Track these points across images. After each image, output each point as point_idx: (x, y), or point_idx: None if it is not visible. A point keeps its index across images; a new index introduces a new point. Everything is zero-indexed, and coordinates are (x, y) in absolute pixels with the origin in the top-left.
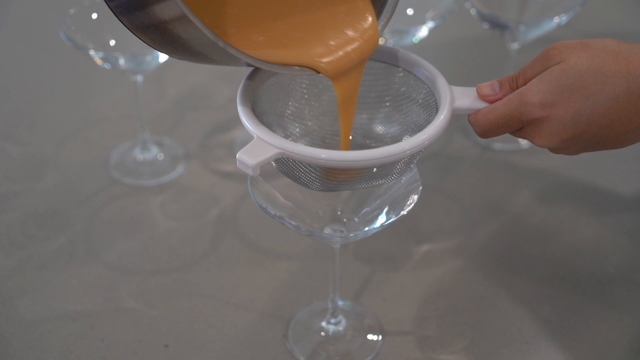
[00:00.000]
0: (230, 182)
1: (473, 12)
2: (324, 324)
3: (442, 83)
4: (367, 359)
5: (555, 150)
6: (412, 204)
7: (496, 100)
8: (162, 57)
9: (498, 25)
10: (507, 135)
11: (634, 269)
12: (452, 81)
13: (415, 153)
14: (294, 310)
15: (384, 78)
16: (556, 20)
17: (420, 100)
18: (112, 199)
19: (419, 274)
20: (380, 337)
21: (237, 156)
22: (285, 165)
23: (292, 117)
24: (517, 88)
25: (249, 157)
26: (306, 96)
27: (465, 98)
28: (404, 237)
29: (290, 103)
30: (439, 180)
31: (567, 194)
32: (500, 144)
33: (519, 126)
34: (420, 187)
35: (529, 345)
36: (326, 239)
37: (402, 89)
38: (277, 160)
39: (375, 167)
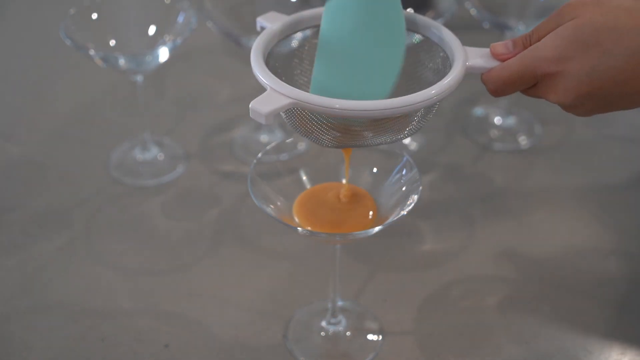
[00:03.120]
0: (230, 182)
1: (473, 12)
2: (324, 324)
3: (455, 44)
4: (367, 359)
5: (568, 107)
6: (412, 204)
7: (510, 58)
8: (162, 57)
9: (498, 25)
10: (507, 135)
11: (634, 269)
12: None
13: (427, 107)
14: (294, 310)
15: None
16: None
17: (437, 66)
18: (112, 199)
19: (419, 274)
20: (380, 337)
21: (250, 105)
22: (298, 119)
23: (302, 75)
24: (531, 45)
25: (262, 106)
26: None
27: (478, 57)
28: (404, 237)
29: (300, 61)
30: (439, 180)
31: (567, 194)
32: (501, 144)
33: (533, 82)
34: (420, 187)
35: (529, 345)
36: (326, 239)
37: (419, 54)
38: (289, 114)
39: (388, 117)
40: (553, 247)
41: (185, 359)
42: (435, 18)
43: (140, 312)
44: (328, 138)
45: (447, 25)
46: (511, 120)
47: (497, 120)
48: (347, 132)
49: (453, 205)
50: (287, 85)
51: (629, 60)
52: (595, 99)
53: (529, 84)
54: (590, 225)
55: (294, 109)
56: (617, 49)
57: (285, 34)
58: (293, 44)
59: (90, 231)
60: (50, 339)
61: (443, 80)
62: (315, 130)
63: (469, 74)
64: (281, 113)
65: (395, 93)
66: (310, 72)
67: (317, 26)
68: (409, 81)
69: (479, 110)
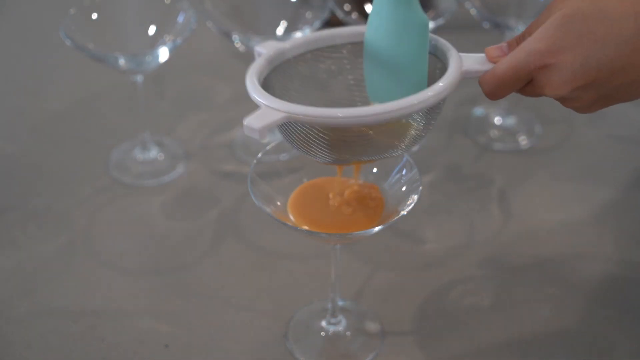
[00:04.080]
0: (230, 182)
1: (473, 12)
2: (324, 324)
3: (451, 51)
4: (367, 359)
5: (567, 101)
6: (412, 204)
7: None
8: (162, 57)
9: (498, 25)
10: (507, 135)
11: (634, 269)
12: None
13: (418, 111)
14: (294, 310)
15: None
16: None
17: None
18: (112, 199)
19: (419, 274)
20: (380, 337)
21: (244, 122)
22: (295, 134)
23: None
24: None
25: (256, 122)
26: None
27: (475, 63)
28: (404, 237)
29: (298, 84)
30: (439, 180)
31: (567, 194)
32: (501, 144)
33: (528, 78)
34: (420, 187)
35: (529, 345)
36: (326, 239)
37: None
38: (286, 131)
39: (378, 122)
40: (553, 247)
41: (185, 359)
42: (435, 18)
43: (140, 312)
44: (327, 153)
45: (447, 25)
46: (511, 120)
47: (497, 120)
48: (344, 144)
49: (453, 205)
50: (280, 100)
51: (623, 48)
52: (592, 91)
53: (524, 81)
54: (590, 225)
55: (289, 124)
56: (609, 37)
57: (283, 58)
58: (290, 69)
59: (90, 231)
60: (50, 339)
61: (437, 82)
62: (314, 145)
63: (466, 78)
64: (278, 131)
65: None
66: (305, 90)
67: (315, 50)
68: None
69: (479, 110)
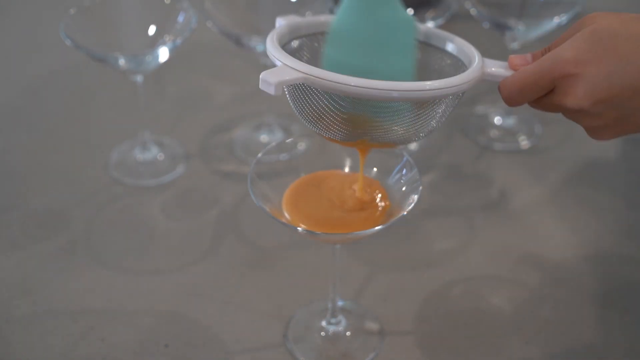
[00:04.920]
0: (230, 182)
1: (473, 12)
2: (324, 324)
3: (475, 55)
4: (367, 359)
5: (587, 116)
6: (412, 204)
7: None
8: (162, 57)
9: (498, 25)
10: (507, 135)
11: (634, 269)
12: None
13: (438, 97)
14: (294, 310)
15: (421, 58)
16: (556, 20)
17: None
18: (112, 199)
19: (419, 274)
20: (380, 337)
21: (260, 76)
22: (307, 102)
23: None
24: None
25: (272, 77)
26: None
27: (497, 67)
28: (404, 237)
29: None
30: (439, 180)
31: (567, 194)
32: (501, 144)
33: (550, 86)
34: (420, 187)
35: (529, 346)
36: (326, 239)
37: (442, 68)
38: (298, 98)
39: (398, 100)
40: (553, 247)
41: (185, 359)
42: (435, 18)
43: (140, 312)
44: (335, 126)
45: (447, 24)
46: (511, 120)
47: (497, 120)
48: (356, 119)
49: (453, 205)
50: (299, 61)
51: None
52: (612, 108)
53: (545, 89)
54: (590, 225)
55: (303, 88)
56: (634, 56)
57: (302, 32)
58: (307, 44)
59: (90, 231)
60: (50, 339)
61: (457, 76)
62: (324, 116)
63: (486, 80)
64: (289, 99)
65: None
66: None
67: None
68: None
69: (479, 110)
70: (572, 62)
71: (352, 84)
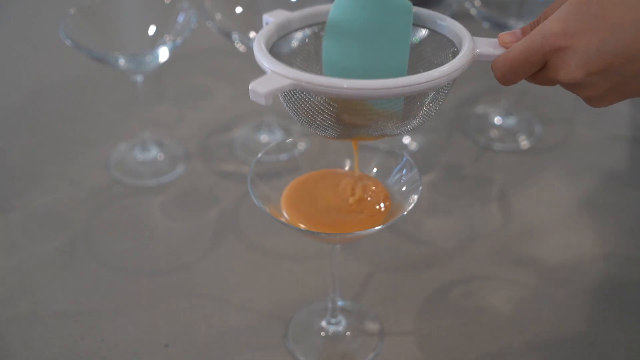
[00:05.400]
0: (230, 182)
1: (473, 12)
2: (324, 324)
3: (464, 33)
4: (367, 359)
5: (581, 87)
6: (412, 204)
7: None
8: (162, 57)
9: (498, 25)
10: (507, 135)
11: (634, 269)
12: None
13: (430, 89)
14: (294, 310)
15: (413, 40)
16: None
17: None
18: (112, 199)
19: (419, 274)
20: (380, 337)
21: (249, 86)
22: (299, 104)
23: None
24: None
25: (261, 86)
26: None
27: (487, 47)
28: (404, 237)
29: (304, 55)
30: (439, 180)
31: (567, 194)
32: (501, 144)
33: (541, 62)
34: (420, 187)
35: (530, 346)
36: (326, 238)
37: (429, 49)
38: (290, 101)
39: (386, 96)
40: (553, 247)
41: (185, 359)
42: None
43: (140, 312)
44: (330, 125)
45: None
46: (511, 120)
47: (497, 120)
48: (349, 115)
49: (453, 205)
50: (288, 67)
51: (638, 33)
52: (608, 77)
53: (538, 65)
54: (590, 225)
55: (295, 92)
56: (626, 22)
57: (291, 28)
58: (297, 40)
59: (90, 231)
60: (50, 339)
61: (446, 64)
62: (317, 116)
63: (478, 61)
64: (283, 101)
65: None
66: (315, 65)
67: (322, 22)
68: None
69: (479, 110)
70: (561, 35)
71: (345, 86)
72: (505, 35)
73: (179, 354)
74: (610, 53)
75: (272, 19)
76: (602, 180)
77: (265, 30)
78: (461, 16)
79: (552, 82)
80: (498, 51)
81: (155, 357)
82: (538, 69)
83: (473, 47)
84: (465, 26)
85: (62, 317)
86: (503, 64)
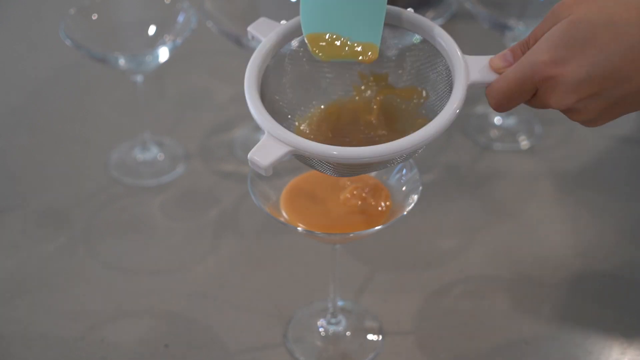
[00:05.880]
0: (230, 182)
1: (473, 12)
2: (324, 323)
3: (457, 60)
4: (367, 359)
5: (574, 112)
6: (412, 204)
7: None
8: (162, 57)
9: (498, 25)
10: (507, 135)
11: (634, 269)
12: None
13: (422, 147)
14: (294, 310)
15: (403, 46)
16: None
17: (441, 74)
18: (112, 199)
19: (419, 274)
20: (380, 337)
21: (249, 157)
22: (300, 158)
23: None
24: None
25: (261, 158)
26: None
27: (481, 74)
28: (404, 237)
29: (293, 79)
30: (439, 180)
31: (567, 194)
32: (500, 144)
33: (533, 90)
34: (420, 187)
35: (529, 345)
36: (326, 239)
37: (420, 59)
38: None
39: (386, 161)
40: (553, 247)
41: (185, 359)
42: (434, 18)
43: (140, 312)
44: (330, 173)
45: (447, 24)
46: (511, 120)
47: (497, 120)
48: (349, 170)
49: (453, 205)
50: (285, 130)
51: (629, 55)
52: (599, 100)
53: (529, 93)
54: (590, 225)
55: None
56: (615, 45)
57: (279, 46)
58: (288, 58)
59: (90, 231)
60: (50, 339)
61: (441, 114)
62: (318, 167)
63: (472, 90)
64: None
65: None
66: (307, 85)
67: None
68: (417, 82)
69: (479, 110)
70: (550, 64)
71: (345, 155)
72: (496, 60)
73: (179, 354)
74: (600, 76)
75: (255, 32)
76: (602, 181)
77: (251, 70)
78: (461, 16)
79: (545, 107)
80: (490, 77)
81: (155, 357)
82: (531, 96)
83: (466, 80)
84: (465, 26)
85: (62, 317)
86: (498, 93)
